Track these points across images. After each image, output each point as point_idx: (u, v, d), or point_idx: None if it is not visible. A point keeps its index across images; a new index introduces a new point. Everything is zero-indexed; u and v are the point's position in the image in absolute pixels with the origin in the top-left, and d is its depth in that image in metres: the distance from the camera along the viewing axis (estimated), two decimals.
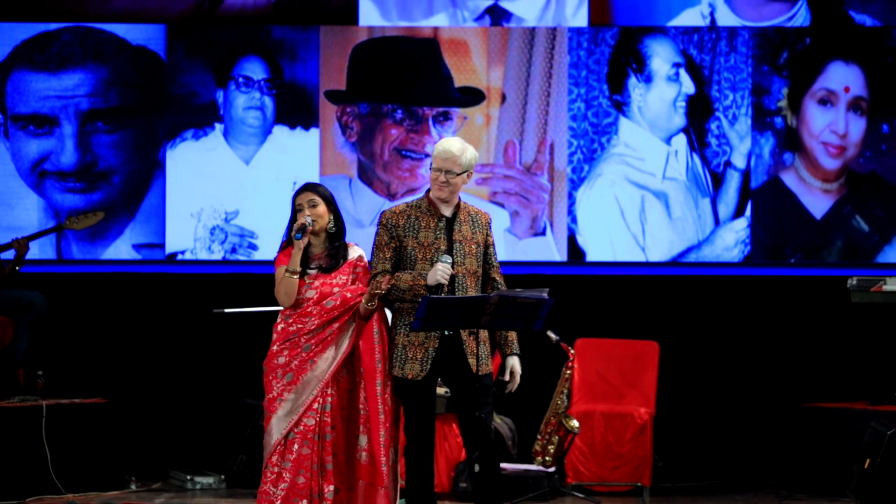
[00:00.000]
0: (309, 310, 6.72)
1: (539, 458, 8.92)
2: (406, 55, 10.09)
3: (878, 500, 8.33)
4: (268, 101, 10.17)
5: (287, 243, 6.79)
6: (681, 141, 10.12)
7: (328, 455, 6.71)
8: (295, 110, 10.14)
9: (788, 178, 10.11)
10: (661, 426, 9.43)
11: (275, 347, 6.73)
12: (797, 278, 10.16)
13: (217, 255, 10.13)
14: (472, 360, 6.74)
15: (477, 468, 6.72)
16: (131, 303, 10.24)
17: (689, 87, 10.12)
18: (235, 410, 9.61)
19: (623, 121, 10.13)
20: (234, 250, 10.12)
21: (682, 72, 10.11)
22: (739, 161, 10.11)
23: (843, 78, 10.13)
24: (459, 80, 10.10)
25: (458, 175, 6.77)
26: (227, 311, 9.43)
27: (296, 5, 10.14)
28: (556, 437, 8.89)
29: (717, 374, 10.12)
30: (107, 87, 10.17)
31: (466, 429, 6.86)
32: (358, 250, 6.88)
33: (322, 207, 6.77)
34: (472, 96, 10.11)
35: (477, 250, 6.84)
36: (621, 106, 10.13)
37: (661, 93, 10.13)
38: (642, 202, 10.11)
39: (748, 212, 10.10)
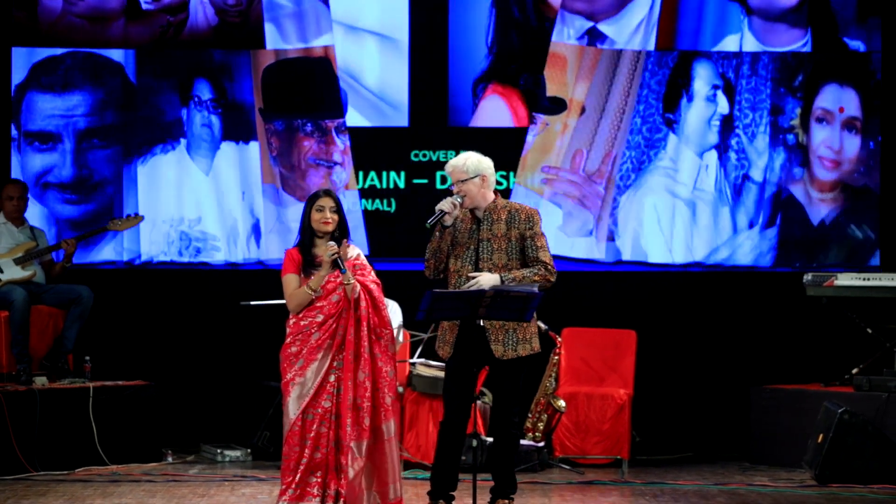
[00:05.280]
0: (318, 305, 6.83)
1: (530, 434, 9.02)
2: (307, 73, 10.22)
3: (830, 470, 8.50)
4: (214, 119, 10.23)
5: (300, 249, 6.86)
6: (712, 156, 10.20)
7: (344, 432, 6.78)
8: (237, 126, 10.22)
9: (797, 191, 10.20)
10: (638, 406, 9.49)
11: (288, 339, 6.84)
12: (754, 275, 10.22)
13: (186, 258, 10.18)
14: (495, 347, 6.90)
15: (475, 443, 6.86)
16: (170, 297, 10.27)
17: (724, 107, 10.19)
18: (259, 392, 9.61)
19: (671, 136, 10.20)
20: (198, 253, 10.18)
21: (720, 93, 10.19)
22: (757, 175, 10.19)
23: (837, 99, 10.24)
24: (551, 90, 10.15)
25: (469, 181, 6.94)
26: (252, 303, 9.40)
27: (230, 31, 10.23)
28: (545, 416, 8.99)
29: (688, 360, 10.19)
30: (102, 108, 10.24)
31: (492, 409, 7.02)
32: (356, 249, 6.99)
33: (337, 214, 6.88)
34: (557, 105, 10.16)
35: (509, 246, 6.94)
36: (672, 123, 10.20)
37: (699, 112, 10.20)
38: (674, 210, 10.17)
39: (763, 220, 10.16)
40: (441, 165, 9.92)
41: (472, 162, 6.99)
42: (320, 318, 6.80)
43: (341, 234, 6.91)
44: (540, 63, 10.22)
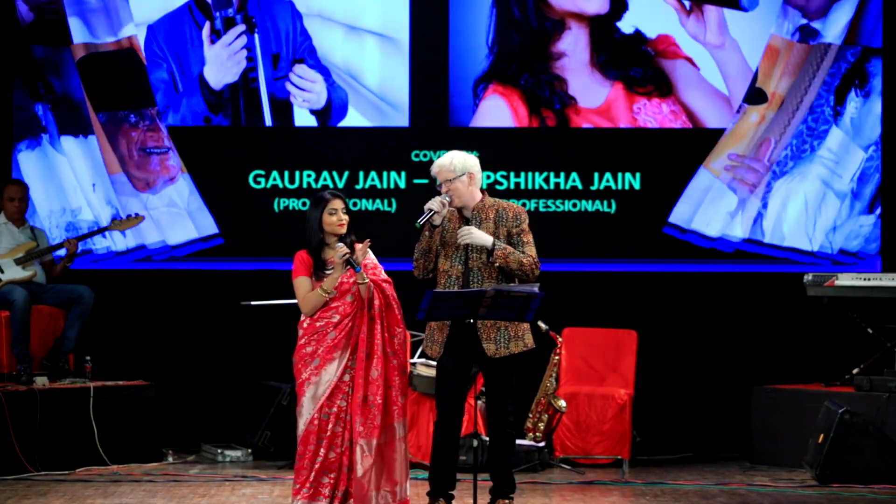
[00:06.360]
0: (333, 306, 6.81)
1: (530, 434, 9.01)
2: (113, 66, 10.18)
3: (830, 470, 8.50)
4: (50, 114, 10.21)
5: (310, 252, 6.82)
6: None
7: (355, 430, 6.72)
8: (75, 121, 10.18)
9: None
10: (638, 406, 9.50)
11: (302, 340, 6.81)
12: (759, 274, 10.20)
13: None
14: (487, 345, 6.87)
15: (475, 443, 6.86)
16: (170, 297, 10.25)
17: None
18: (260, 391, 9.67)
19: (834, 129, 10.17)
20: (84, 244, 10.05)
21: None
22: None
23: None
24: (760, 81, 10.14)
25: (457, 179, 6.91)
26: (253, 303, 9.41)
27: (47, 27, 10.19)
28: (546, 416, 8.97)
29: (688, 360, 10.18)
30: None
31: (487, 409, 6.99)
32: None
33: (347, 214, 6.87)
34: (760, 97, 10.13)
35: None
36: (837, 116, 10.17)
37: (873, 108, 10.17)
38: (823, 199, 10.16)
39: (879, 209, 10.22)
40: None
41: (458, 160, 6.96)
42: (336, 318, 6.78)
43: (348, 232, 6.90)
44: (541, 63, 10.19)
